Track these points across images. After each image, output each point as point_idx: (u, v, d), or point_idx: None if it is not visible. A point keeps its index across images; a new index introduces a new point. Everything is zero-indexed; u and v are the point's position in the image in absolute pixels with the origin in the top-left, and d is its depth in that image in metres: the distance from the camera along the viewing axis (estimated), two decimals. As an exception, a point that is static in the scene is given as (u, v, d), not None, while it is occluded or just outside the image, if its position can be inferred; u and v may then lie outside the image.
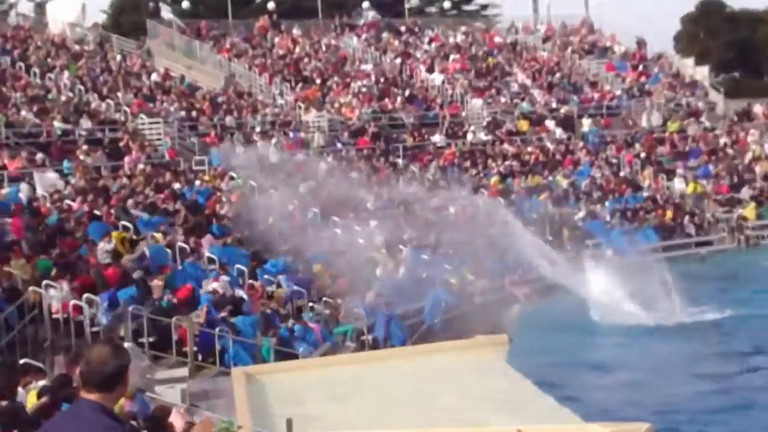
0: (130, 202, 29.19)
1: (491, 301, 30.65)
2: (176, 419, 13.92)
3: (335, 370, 21.50)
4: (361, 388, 20.51)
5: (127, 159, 33.94)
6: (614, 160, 45.28)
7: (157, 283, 23.21)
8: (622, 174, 43.92)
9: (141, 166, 33.43)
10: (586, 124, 48.50)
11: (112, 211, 27.57)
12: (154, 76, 43.56)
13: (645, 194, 41.96)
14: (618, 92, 52.92)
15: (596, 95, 52.15)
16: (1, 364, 15.30)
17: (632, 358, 23.46)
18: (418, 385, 20.57)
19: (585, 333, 25.95)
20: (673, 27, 78.96)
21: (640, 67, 56.00)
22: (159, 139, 37.18)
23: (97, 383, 5.20)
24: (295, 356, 22.34)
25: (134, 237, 26.28)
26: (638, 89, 53.05)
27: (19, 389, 13.85)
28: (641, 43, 59.00)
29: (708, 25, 74.29)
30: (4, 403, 12.32)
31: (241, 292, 24.68)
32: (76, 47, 44.56)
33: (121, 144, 34.99)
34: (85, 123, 35.77)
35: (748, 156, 46.84)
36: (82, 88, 39.40)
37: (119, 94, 39.76)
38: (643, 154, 45.66)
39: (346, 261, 29.65)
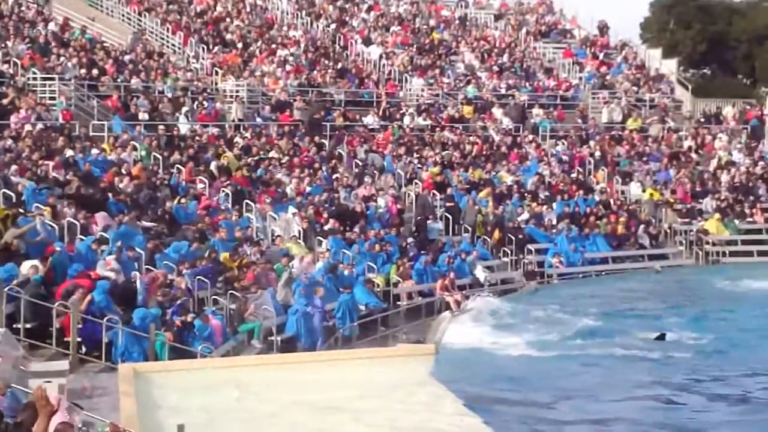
0: (14, 168, 28.79)
1: (418, 306, 30.84)
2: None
3: (238, 372, 21.66)
4: (265, 396, 20.63)
5: (13, 118, 33.44)
6: (565, 158, 45.66)
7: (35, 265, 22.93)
8: (573, 174, 44.31)
9: (28, 127, 32.98)
10: (537, 115, 48.84)
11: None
12: (52, 26, 42.98)
13: (597, 198, 42.38)
14: (575, 82, 53.46)
15: (551, 83, 52.57)
16: None
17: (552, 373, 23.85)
18: (329, 396, 20.75)
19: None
20: (641, 13, 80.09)
21: (601, 56, 56.64)
22: (53, 99, 36.70)
23: None
24: (193, 355, 22.28)
25: (19, 211, 25.87)
26: (597, 80, 53.62)
27: None
28: (604, 29, 59.75)
29: (679, 14, 75.33)
30: None
31: (135, 279, 24.50)
32: (-39, -13, 43.81)
33: (6, 101, 34.43)
34: (-33, 74, 35.23)
35: (714, 163, 47.59)
36: (-34, 33, 38.78)
37: (8, 44, 39.17)
38: (597, 153, 46.13)
39: (258, 250, 29.62)
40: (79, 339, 21.64)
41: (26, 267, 22.80)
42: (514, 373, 23.47)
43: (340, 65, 49.06)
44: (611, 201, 42.41)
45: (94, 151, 32.87)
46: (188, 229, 29.36)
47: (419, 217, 36.90)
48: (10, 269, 22.50)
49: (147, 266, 25.90)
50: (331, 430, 17.92)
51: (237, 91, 43.23)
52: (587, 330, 28.38)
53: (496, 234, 37.24)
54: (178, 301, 23.81)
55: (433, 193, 38.92)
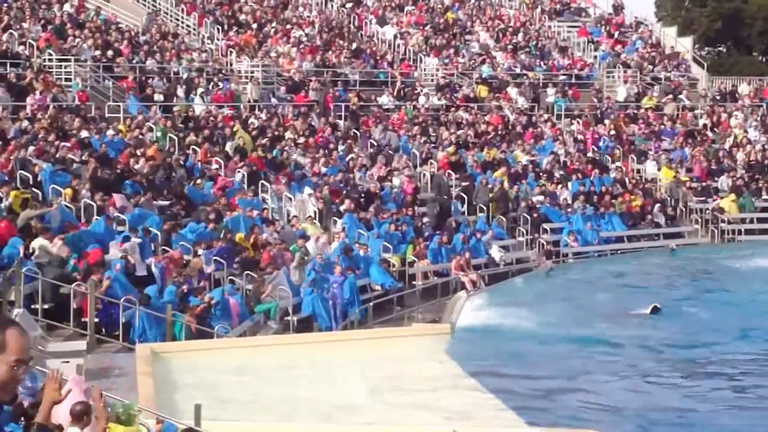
0: (30, 149, 28.85)
1: (434, 285, 30.86)
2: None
3: (255, 352, 21.75)
4: (282, 375, 20.72)
5: (29, 100, 33.51)
6: (581, 137, 45.58)
7: (56, 242, 23.01)
8: (588, 153, 44.21)
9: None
10: (552, 94, 48.68)
11: (12, 158, 27.23)
12: (67, 7, 43.01)
13: (612, 177, 42.28)
14: (590, 60, 53.28)
15: (565, 62, 52.40)
16: None
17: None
18: (346, 375, 20.83)
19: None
20: (656, -9, 79.64)
21: (616, 34, 56.43)
22: (68, 80, 36.75)
23: None
24: (210, 335, 22.37)
25: (34, 191, 25.95)
26: (613, 59, 53.43)
27: None
28: (618, 8, 59.48)
29: (694, -8, 75.02)
30: None
31: (152, 259, 24.60)
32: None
33: (25, 82, 34.48)
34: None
35: (730, 141, 47.47)
36: (-19, 15, 38.82)
37: (25, 25, 39.22)
38: (613, 132, 46.02)
39: (274, 230, 29.68)
40: (96, 319, 21.74)
41: (37, 245, 22.83)
42: (528, 353, 23.54)
43: (354, 45, 49.00)
44: (626, 180, 42.33)
45: (110, 132, 32.92)
46: (203, 209, 29.42)
47: (444, 197, 36.86)
48: (14, 243, 22.51)
49: (163, 247, 25.99)
50: (347, 410, 18.00)
51: (252, 72, 43.23)
52: (601, 309, 28.43)
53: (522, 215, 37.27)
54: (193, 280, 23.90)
55: (449, 173, 38.90)
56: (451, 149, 40.65)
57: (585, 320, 26.91)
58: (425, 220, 34.81)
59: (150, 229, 26.19)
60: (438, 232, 33.79)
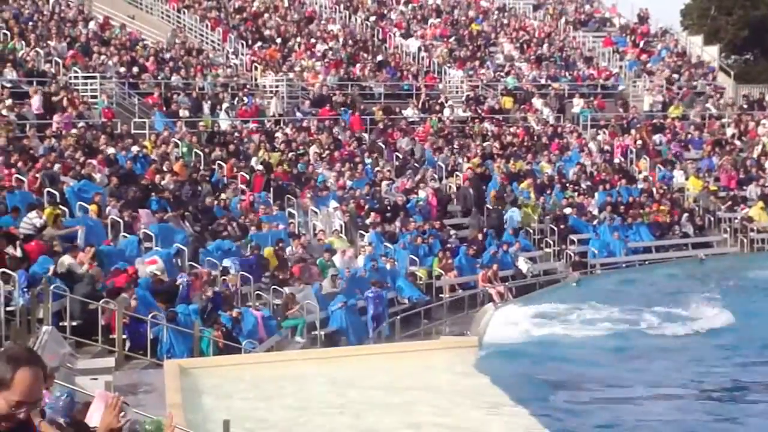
0: (57, 167, 28.99)
1: (461, 298, 30.84)
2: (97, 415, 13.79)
3: (283, 367, 21.77)
4: (311, 391, 20.73)
5: (56, 118, 33.67)
6: (607, 147, 45.47)
7: (82, 257, 23.08)
8: (616, 163, 44.09)
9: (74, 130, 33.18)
10: (578, 104, 48.64)
11: (38, 175, 27.37)
12: (92, 25, 43.27)
13: (640, 187, 42.14)
14: (615, 70, 53.18)
15: (591, 72, 52.33)
16: None
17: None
18: (372, 391, 20.81)
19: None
20: (681, 0, 79.43)
21: (642, 44, 56.32)
22: (94, 97, 36.93)
23: None
24: (237, 350, 22.42)
25: (64, 210, 26.09)
26: (638, 68, 53.33)
27: None
28: (644, 17, 59.37)
29: (720, 0, 74.71)
30: None
31: (180, 276, 24.66)
32: (3, -13, 44.11)
33: (56, 99, 34.59)
34: (10, 73, 35.48)
35: (758, 149, 47.24)
36: (7, 33, 39.08)
37: (51, 43, 39.47)
38: (639, 142, 45.90)
39: (300, 245, 29.71)
40: (124, 336, 21.80)
41: (65, 262, 22.91)
42: (557, 365, 23.46)
43: (379, 58, 49.07)
44: (654, 190, 42.17)
45: (135, 148, 33.02)
46: (221, 222, 29.48)
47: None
48: (44, 262, 22.60)
49: (190, 263, 26.06)
50: (374, 425, 17.99)
51: (276, 87, 43.34)
52: (630, 321, 28.30)
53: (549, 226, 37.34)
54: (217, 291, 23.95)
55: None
56: (477, 161, 40.63)
57: (613, 332, 26.81)
58: (468, 231, 35.01)
59: (177, 245, 26.25)
60: (465, 243, 33.90)
